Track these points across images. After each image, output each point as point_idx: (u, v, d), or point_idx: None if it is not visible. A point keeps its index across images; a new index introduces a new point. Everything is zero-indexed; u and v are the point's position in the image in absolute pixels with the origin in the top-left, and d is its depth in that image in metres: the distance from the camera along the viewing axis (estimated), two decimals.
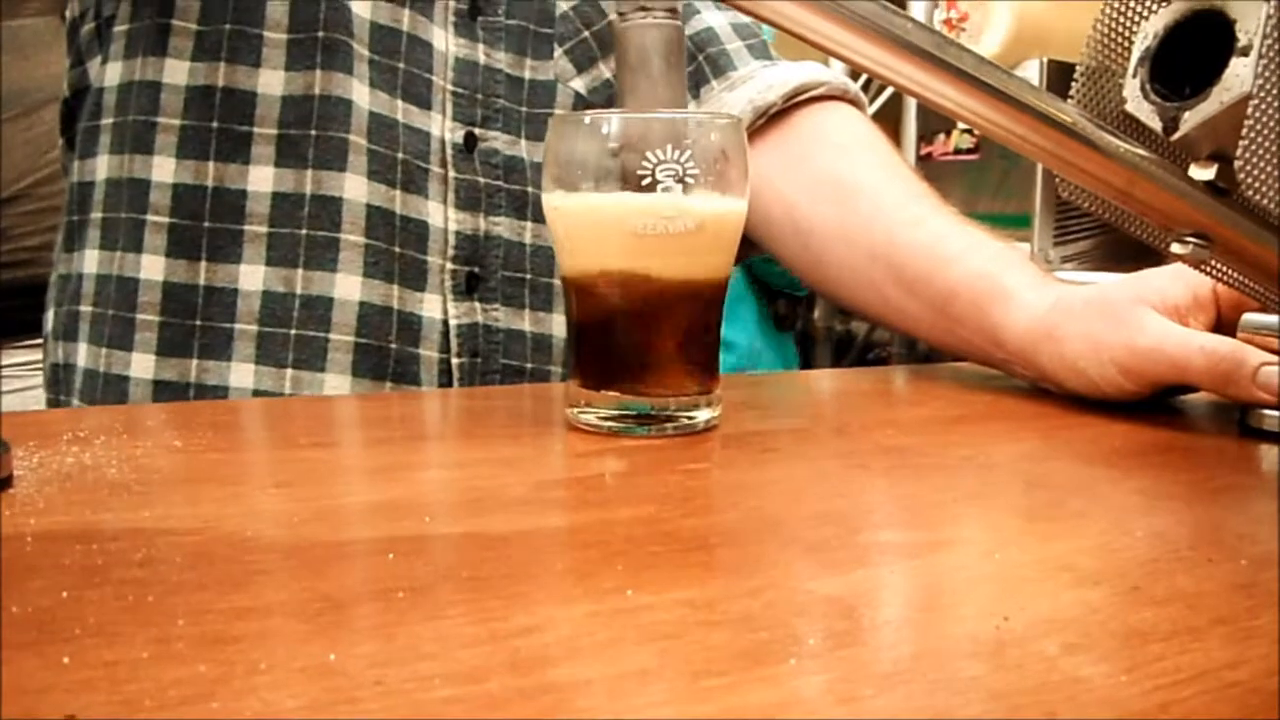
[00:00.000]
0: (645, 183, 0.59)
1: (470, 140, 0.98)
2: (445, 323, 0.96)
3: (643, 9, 0.62)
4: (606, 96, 1.06)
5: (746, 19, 1.10)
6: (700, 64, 1.07)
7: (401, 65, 0.95)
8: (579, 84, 1.05)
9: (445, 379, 0.96)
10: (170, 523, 0.44)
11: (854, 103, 1.07)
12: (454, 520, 0.46)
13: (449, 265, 0.96)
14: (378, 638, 0.32)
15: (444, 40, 0.98)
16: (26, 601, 0.34)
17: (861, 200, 0.96)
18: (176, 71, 0.92)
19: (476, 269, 0.98)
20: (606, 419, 0.63)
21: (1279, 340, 0.67)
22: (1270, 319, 0.68)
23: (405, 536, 0.43)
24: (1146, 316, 0.72)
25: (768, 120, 1.03)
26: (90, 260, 0.96)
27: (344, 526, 0.45)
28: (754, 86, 1.04)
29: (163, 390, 0.91)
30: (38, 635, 0.31)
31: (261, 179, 0.91)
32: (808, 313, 3.50)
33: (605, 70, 1.07)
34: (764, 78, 1.04)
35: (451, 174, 0.97)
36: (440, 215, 0.96)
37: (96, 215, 0.96)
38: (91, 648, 0.31)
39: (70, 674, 0.29)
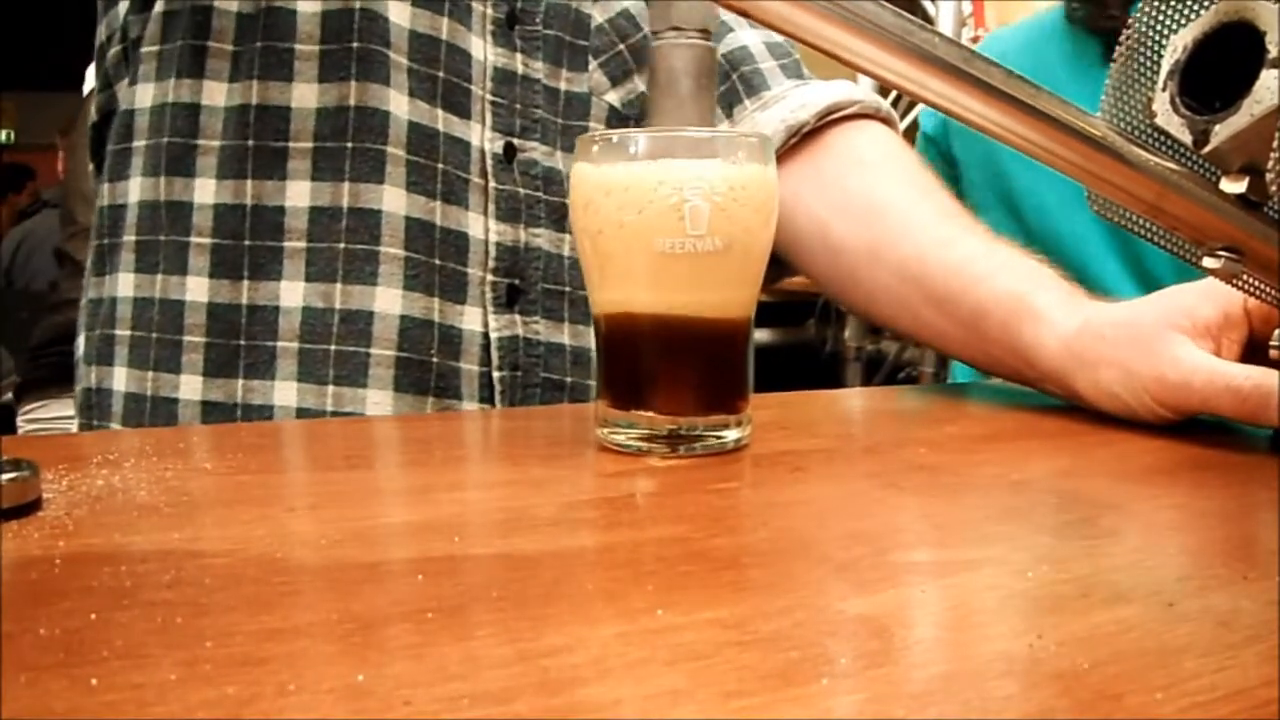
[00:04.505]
0: (672, 201, 0.59)
1: (510, 150, 0.98)
2: (486, 335, 0.95)
3: (675, 29, 0.62)
4: (642, 110, 1.06)
5: (780, 38, 1.10)
6: (734, 83, 1.07)
7: (441, 74, 0.95)
8: (613, 97, 1.05)
9: (487, 393, 0.96)
10: (199, 545, 0.43)
11: (886, 121, 1.08)
12: (484, 541, 0.46)
13: (490, 277, 0.96)
14: (407, 658, 0.32)
15: (482, 49, 0.98)
16: (55, 623, 0.34)
17: (891, 219, 0.96)
18: (215, 93, 0.92)
19: (517, 281, 0.98)
20: (636, 439, 0.63)
21: None
22: None
23: (435, 557, 0.43)
24: (1177, 346, 0.72)
25: (800, 139, 1.03)
26: (125, 284, 0.96)
27: (373, 547, 0.45)
28: (786, 106, 1.04)
29: (210, 411, 0.91)
30: (66, 657, 0.31)
31: (299, 194, 0.91)
32: (838, 332, 3.50)
33: (640, 84, 1.07)
34: (796, 97, 1.05)
35: (492, 185, 0.97)
36: (480, 227, 0.96)
37: (130, 238, 0.96)
38: (119, 670, 0.31)
39: (98, 696, 0.29)
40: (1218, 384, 0.69)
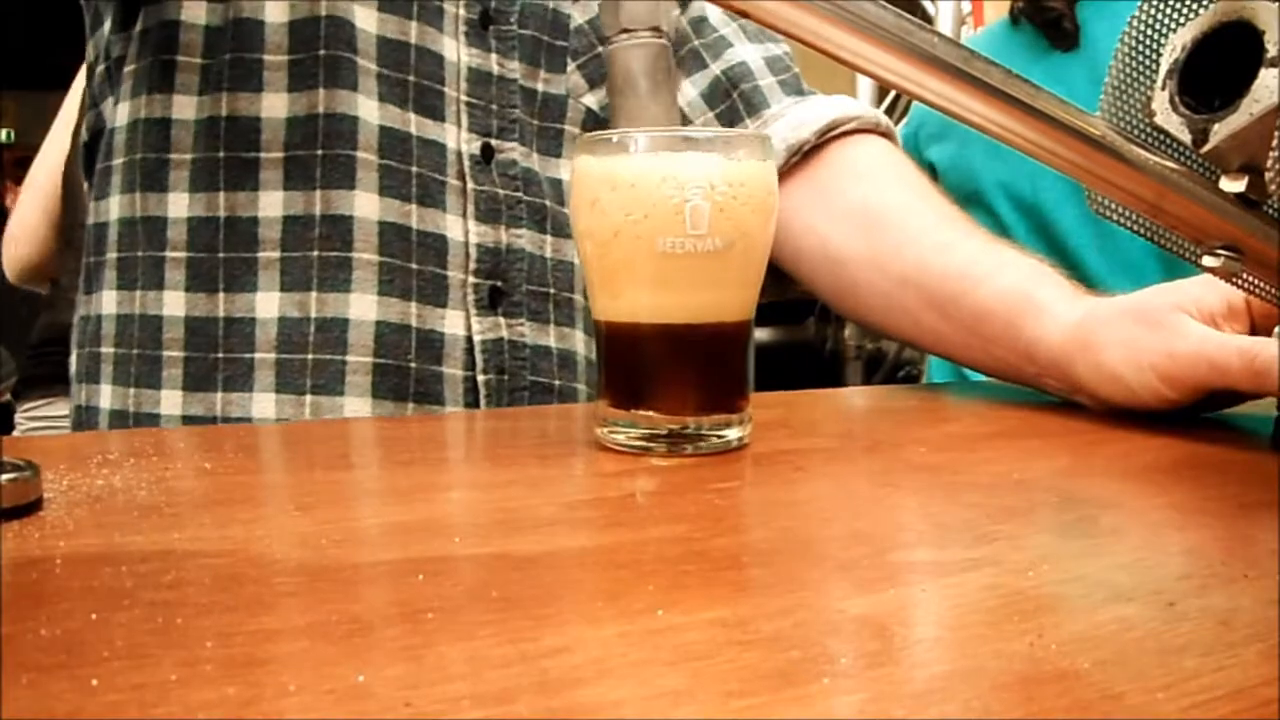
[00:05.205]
0: (674, 201, 0.59)
1: (487, 151, 0.98)
2: (469, 339, 0.95)
3: (625, 30, 0.62)
4: None
5: (779, 52, 1.11)
6: (734, 101, 1.07)
7: (411, 78, 0.94)
8: (591, 100, 1.05)
9: (471, 398, 0.95)
10: (199, 545, 0.43)
11: (886, 135, 1.08)
12: (483, 541, 0.46)
13: (471, 279, 0.96)
14: (406, 659, 0.32)
15: (455, 50, 0.97)
16: (55, 624, 0.34)
17: (890, 228, 0.96)
18: (185, 107, 0.92)
19: (499, 283, 0.97)
20: (636, 439, 0.63)
21: None
22: None
23: (434, 558, 0.43)
24: (1185, 323, 0.73)
25: (801, 156, 1.03)
26: (109, 301, 0.96)
27: (373, 548, 0.45)
28: (787, 124, 1.04)
29: (191, 426, 0.90)
30: (66, 658, 0.31)
31: (271, 204, 0.91)
32: (838, 331, 3.49)
33: None
34: (796, 114, 1.05)
35: (470, 186, 0.96)
36: (459, 228, 0.96)
37: (112, 256, 0.96)
38: (120, 670, 0.31)
39: (99, 697, 0.29)
40: (1229, 348, 0.70)
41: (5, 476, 0.47)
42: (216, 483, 0.55)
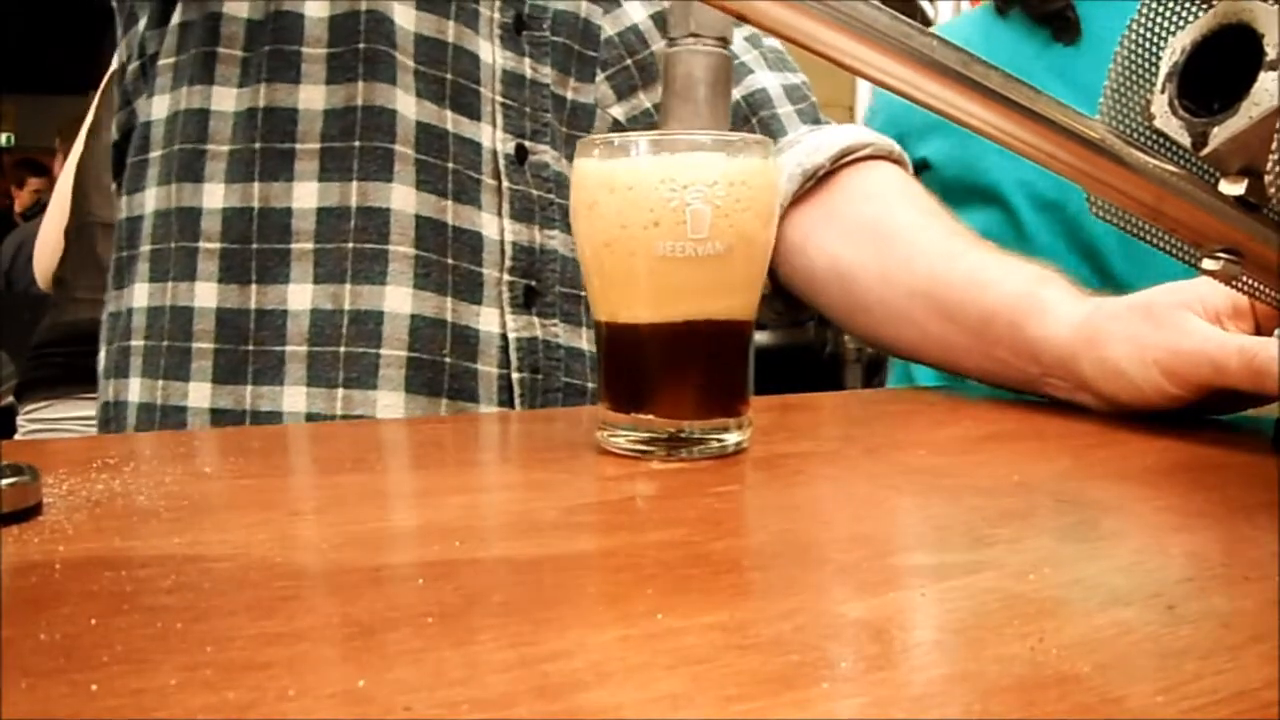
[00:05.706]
0: (673, 205, 0.59)
1: (521, 152, 0.98)
2: (504, 337, 0.95)
3: (693, 35, 0.62)
4: (645, 125, 1.07)
5: (797, 81, 1.12)
6: (752, 127, 1.09)
7: (448, 75, 0.95)
8: (618, 111, 1.06)
9: (505, 395, 0.95)
10: (200, 549, 0.43)
11: (899, 162, 1.08)
12: (484, 545, 0.46)
13: (506, 277, 0.96)
14: (407, 663, 0.32)
15: (490, 52, 0.98)
16: (54, 628, 0.34)
17: (900, 243, 0.97)
18: (224, 98, 0.92)
19: (534, 282, 0.97)
20: (636, 442, 0.63)
21: None
22: None
23: (435, 561, 0.43)
24: (1190, 320, 0.74)
25: (816, 181, 1.03)
26: (140, 294, 0.96)
27: (374, 552, 0.45)
28: (802, 150, 1.04)
29: (220, 419, 0.90)
30: (66, 663, 0.31)
31: (306, 195, 0.91)
32: (838, 334, 3.50)
33: (645, 100, 1.07)
34: (811, 141, 1.05)
35: (505, 185, 0.97)
36: (494, 226, 0.96)
37: (145, 248, 0.96)
38: (119, 675, 0.31)
39: (98, 702, 0.29)
40: (1229, 346, 0.70)
41: (5, 481, 0.47)
42: (216, 487, 0.55)
